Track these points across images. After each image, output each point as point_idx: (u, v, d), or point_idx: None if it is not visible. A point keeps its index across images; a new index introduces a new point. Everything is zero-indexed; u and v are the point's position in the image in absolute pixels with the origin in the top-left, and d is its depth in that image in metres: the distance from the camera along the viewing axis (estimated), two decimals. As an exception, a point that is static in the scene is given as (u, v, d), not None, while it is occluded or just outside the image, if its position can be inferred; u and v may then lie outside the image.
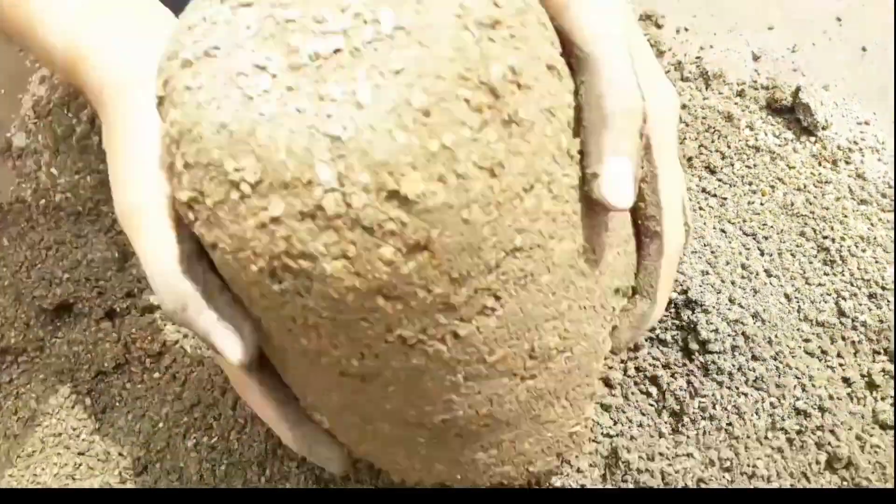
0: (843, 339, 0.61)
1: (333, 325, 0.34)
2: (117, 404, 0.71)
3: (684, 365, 0.57)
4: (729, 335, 0.57)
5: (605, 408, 0.58)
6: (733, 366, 0.56)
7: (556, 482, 0.57)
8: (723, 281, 0.59)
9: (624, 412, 0.57)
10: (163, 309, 0.38)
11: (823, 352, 0.60)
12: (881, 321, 0.62)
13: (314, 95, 0.30)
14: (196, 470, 0.64)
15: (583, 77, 0.36)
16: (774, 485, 0.56)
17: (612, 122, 0.35)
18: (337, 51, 0.30)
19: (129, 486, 0.66)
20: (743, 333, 0.57)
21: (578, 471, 0.57)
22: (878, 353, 0.61)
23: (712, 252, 0.61)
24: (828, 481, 0.57)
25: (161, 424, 0.67)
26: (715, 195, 0.68)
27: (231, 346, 0.36)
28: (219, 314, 0.36)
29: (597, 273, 0.41)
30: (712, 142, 0.72)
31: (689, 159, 0.70)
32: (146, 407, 0.69)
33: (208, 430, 0.65)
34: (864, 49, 0.77)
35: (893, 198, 0.68)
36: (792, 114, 0.74)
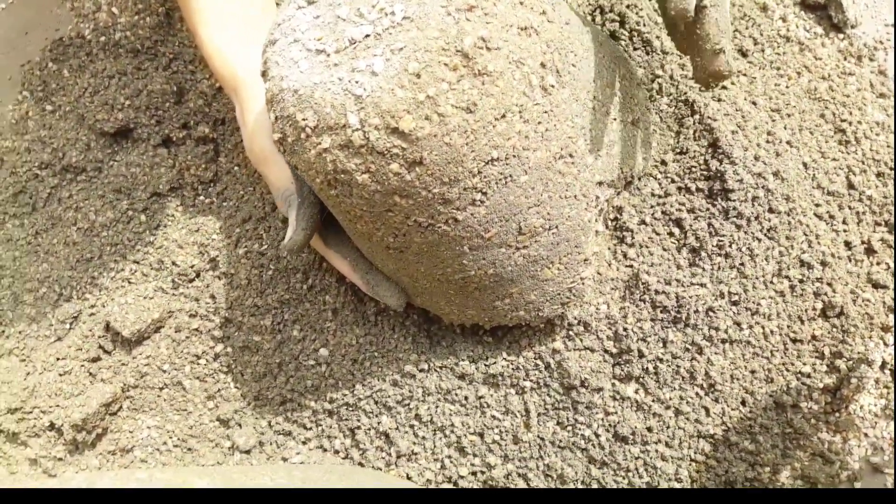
0: (850, 208, 0.67)
1: (371, 216, 0.50)
2: (170, 222, 0.76)
3: (707, 209, 0.63)
4: (752, 186, 0.62)
5: (630, 244, 0.64)
6: (752, 213, 0.62)
7: (575, 312, 0.63)
8: (750, 141, 0.64)
9: (647, 247, 0.63)
10: (275, 196, 0.60)
11: (831, 216, 0.66)
12: (885, 197, 0.67)
13: (349, 68, 0.45)
14: (245, 275, 0.69)
15: None
16: (773, 323, 0.62)
17: None
18: (367, 36, 0.45)
19: (181, 290, 0.72)
20: (764, 187, 0.62)
21: (600, 293, 0.63)
22: (879, 224, 0.67)
23: (743, 117, 0.66)
24: (820, 327, 0.63)
25: (215, 236, 0.72)
26: (745, 74, 0.73)
27: (295, 227, 0.57)
28: (302, 208, 0.58)
29: (575, 171, 0.53)
30: (746, 28, 0.76)
31: (725, 41, 0.75)
32: (200, 223, 0.74)
33: (258, 238, 0.70)
34: (899, -41, 0.81)
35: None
36: (824, 10, 0.78)
